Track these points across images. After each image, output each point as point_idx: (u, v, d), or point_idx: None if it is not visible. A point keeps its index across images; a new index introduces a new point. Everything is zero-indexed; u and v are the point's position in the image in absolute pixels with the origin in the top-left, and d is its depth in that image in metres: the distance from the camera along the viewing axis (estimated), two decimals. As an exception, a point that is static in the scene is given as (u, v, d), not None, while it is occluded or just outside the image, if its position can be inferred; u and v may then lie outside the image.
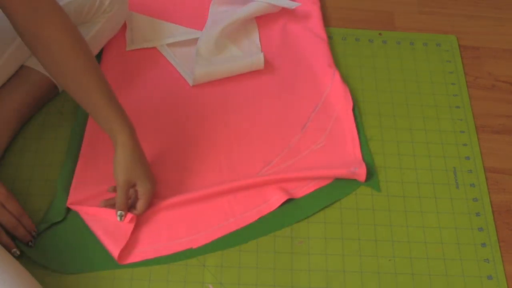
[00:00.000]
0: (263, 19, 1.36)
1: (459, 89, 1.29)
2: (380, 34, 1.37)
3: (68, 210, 1.06)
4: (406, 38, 1.37)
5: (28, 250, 1.00)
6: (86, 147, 1.13)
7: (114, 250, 1.01)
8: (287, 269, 1.03)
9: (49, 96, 1.17)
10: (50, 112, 1.18)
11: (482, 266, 1.05)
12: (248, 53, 1.28)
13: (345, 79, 1.27)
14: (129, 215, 1.02)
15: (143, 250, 1.03)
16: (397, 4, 1.44)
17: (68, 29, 0.95)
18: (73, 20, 1.12)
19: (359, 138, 1.18)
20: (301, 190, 1.10)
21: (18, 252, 0.99)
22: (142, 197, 1.02)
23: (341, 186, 1.12)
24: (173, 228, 1.05)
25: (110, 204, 1.04)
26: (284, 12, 1.36)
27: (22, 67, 1.14)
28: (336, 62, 1.30)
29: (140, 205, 1.03)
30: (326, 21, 1.38)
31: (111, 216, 1.02)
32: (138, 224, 1.05)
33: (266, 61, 1.27)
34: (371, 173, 1.13)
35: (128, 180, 1.00)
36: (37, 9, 0.91)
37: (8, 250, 0.98)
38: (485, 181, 1.16)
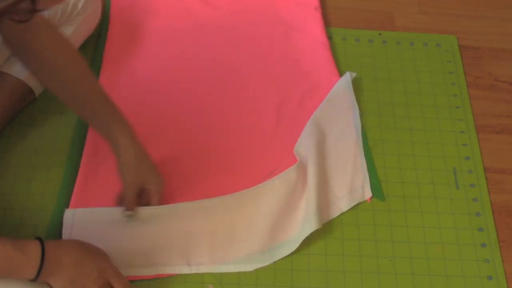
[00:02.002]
0: (263, 28, 1.34)
1: (459, 89, 1.29)
2: (380, 34, 1.37)
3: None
4: (406, 38, 1.37)
5: None
6: (85, 162, 1.11)
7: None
8: (287, 269, 1.03)
9: (26, 100, 1.16)
10: (50, 112, 1.18)
11: (482, 266, 1.05)
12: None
13: (345, 79, 1.27)
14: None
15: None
16: (397, 4, 1.44)
17: (60, 39, 0.96)
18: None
19: (363, 147, 1.17)
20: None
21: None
22: (155, 193, 1.02)
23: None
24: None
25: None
26: (285, 20, 1.36)
27: None
28: (336, 62, 1.30)
29: (155, 201, 1.03)
30: (326, 21, 1.37)
31: (117, 214, 1.02)
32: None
33: (268, 70, 1.27)
34: (375, 184, 1.13)
35: (136, 180, 1.00)
36: (31, 24, 0.91)
37: None
38: (485, 181, 1.16)
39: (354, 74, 1.25)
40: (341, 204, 1.09)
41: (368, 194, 1.11)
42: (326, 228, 1.08)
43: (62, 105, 1.18)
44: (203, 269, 1.01)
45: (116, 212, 1.02)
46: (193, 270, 1.01)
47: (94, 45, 1.28)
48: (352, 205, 1.09)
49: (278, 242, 1.04)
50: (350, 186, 1.11)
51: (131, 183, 1.00)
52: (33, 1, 0.66)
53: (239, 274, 1.02)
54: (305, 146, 1.14)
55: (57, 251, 0.85)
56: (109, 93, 1.19)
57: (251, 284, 1.01)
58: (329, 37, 1.34)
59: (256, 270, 1.02)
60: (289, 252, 1.03)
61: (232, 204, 1.07)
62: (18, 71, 1.12)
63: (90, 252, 0.90)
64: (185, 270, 1.01)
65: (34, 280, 0.83)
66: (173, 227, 1.03)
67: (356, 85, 1.26)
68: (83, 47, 1.26)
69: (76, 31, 1.19)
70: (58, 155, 1.13)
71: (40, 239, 0.84)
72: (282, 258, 1.04)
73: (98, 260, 0.90)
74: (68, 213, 1.03)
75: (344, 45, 1.35)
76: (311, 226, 1.02)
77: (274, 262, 1.03)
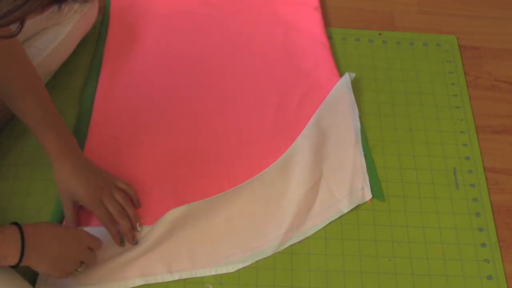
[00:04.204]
0: (263, 28, 1.34)
1: (459, 89, 1.29)
2: (380, 34, 1.37)
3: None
4: (406, 38, 1.37)
5: None
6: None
7: None
8: (287, 269, 1.03)
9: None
10: (50, 112, 1.18)
11: (482, 266, 1.05)
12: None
13: (345, 79, 1.27)
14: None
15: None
16: (397, 4, 1.44)
17: (8, 52, 0.95)
18: (45, 22, 1.13)
19: (363, 147, 1.17)
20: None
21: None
22: (91, 209, 1.01)
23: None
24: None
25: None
26: (285, 20, 1.35)
27: None
28: (336, 62, 1.30)
29: (97, 214, 1.01)
30: (326, 21, 1.37)
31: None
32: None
33: (267, 70, 1.26)
34: (375, 184, 1.13)
35: (66, 198, 1.00)
36: None
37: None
38: (485, 181, 1.16)
39: (353, 75, 1.25)
40: (341, 205, 1.09)
41: (368, 195, 1.11)
42: (326, 228, 1.08)
43: (62, 105, 1.19)
44: (185, 275, 1.01)
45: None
46: (175, 277, 1.01)
47: (94, 45, 1.28)
48: (352, 206, 1.09)
49: (259, 244, 1.05)
50: (350, 188, 1.11)
51: (63, 200, 1.01)
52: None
53: (239, 274, 1.02)
54: (302, 147, 1.14)
55: (35, 232, 0.86)
56: (110, 93, 1.20)
57: (251, 284, 1.01)
58: (329, 37, 1.34)
59: (256, 270, 1.03)
60: (272, 253, 1.04)
61: (210, 208, 1.06)
62: None
63: (66, 229, 0.94)
64: (168, 277, 1.01)
65: (17, 264, 0.84)
66: (152, 236, 1.03)
67: (356, 85, 1.26)
68: (83, 47, 1.26)
69: (73, 29, 1.18)
70: (58, 155, 1.13)
71: (17, 224, 0.85)
72: (282, 258, 1.04)
73: (75, 234, 0.93)
74: None
75: (344, 45, 1.35)
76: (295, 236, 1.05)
77: (274, 262, 1.04)
